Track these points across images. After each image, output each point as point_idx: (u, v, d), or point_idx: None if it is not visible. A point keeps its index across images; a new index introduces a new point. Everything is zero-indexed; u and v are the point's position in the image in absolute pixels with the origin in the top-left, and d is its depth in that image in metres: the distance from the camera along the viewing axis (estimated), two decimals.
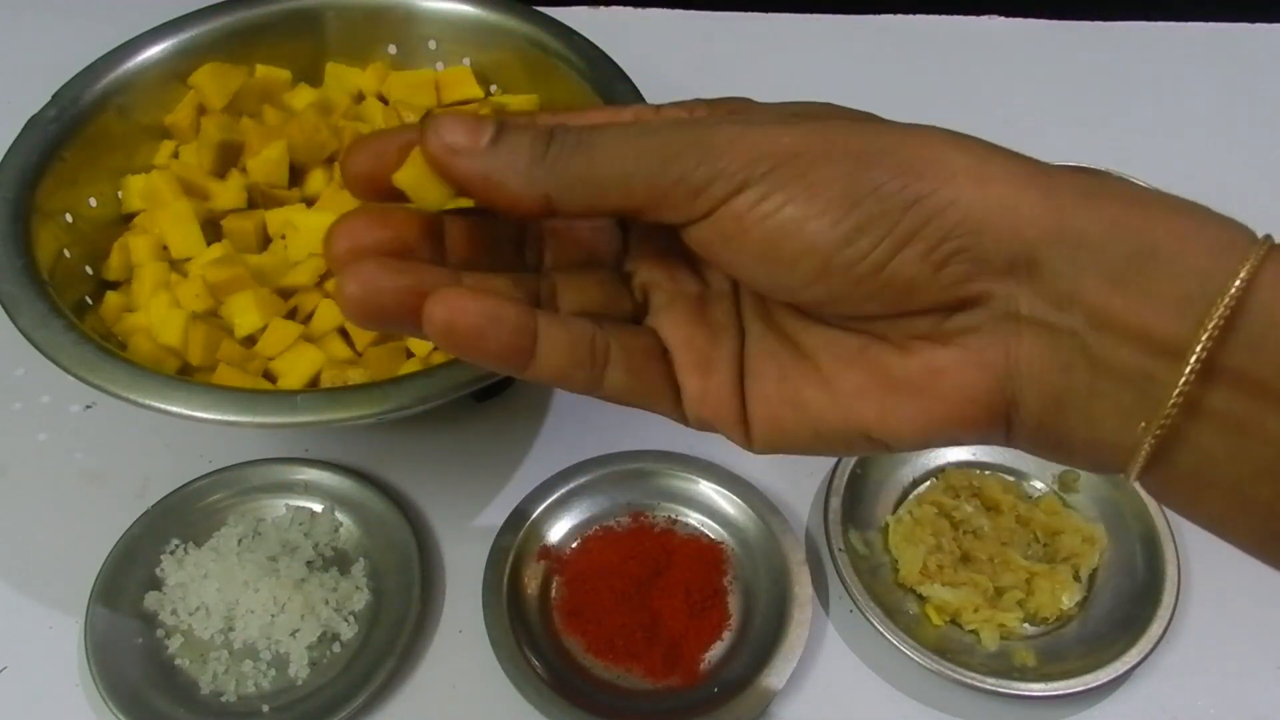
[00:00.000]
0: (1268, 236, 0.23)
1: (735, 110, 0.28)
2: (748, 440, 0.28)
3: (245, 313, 0.51)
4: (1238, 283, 0.22)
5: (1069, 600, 0.50)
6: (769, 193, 0.24)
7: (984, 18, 0.83)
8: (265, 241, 0.56)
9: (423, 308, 0.25)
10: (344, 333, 0.53)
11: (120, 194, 0.57)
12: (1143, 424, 0.23)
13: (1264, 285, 0.22)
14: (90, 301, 0.53)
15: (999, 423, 0.26)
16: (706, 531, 0.53)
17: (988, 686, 0.46)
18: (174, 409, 0.43)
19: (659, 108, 0.29)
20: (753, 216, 0.24)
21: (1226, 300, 0.22)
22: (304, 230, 0.54)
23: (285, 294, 0.53)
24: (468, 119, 0.26)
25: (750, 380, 0.28)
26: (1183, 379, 0.22)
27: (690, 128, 0.26)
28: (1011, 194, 0.24)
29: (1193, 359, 0.22)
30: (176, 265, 0.55)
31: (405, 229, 0.28)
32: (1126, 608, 0.49)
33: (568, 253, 0.30)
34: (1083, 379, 0.24)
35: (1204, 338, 0.22)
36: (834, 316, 0.26)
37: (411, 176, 0.27)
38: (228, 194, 0.57)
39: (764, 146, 0.25)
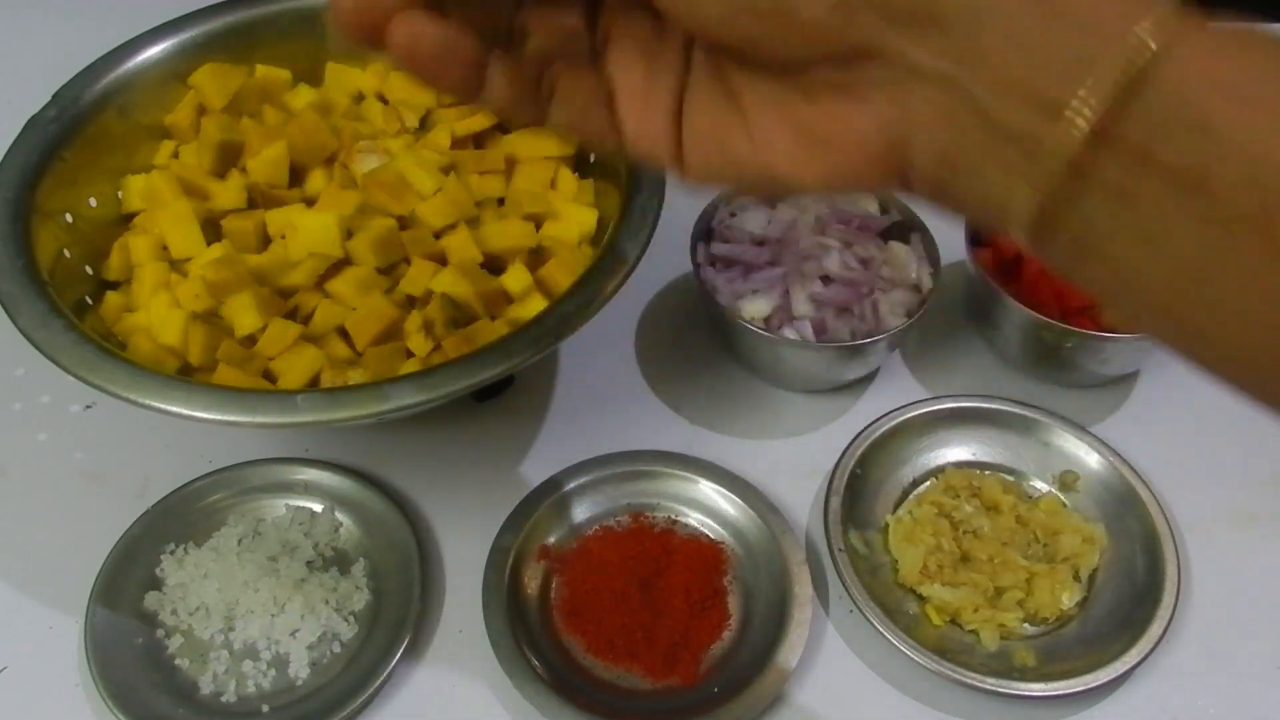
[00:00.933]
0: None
1: None
2: (682, 169, 0.30)
3: (245, 313, 0.51)
4: (1146, 52, 0.22)
5: (1069, 600, 0.50)
6: None
7: None
8: (265, 241, 0.56)
9: (388, 27, 0.27)
10: (344, 333, 0.53)
11: (120, 194, 0.57)
12: (1028, 187, 0.23)
13: (1179, 59, 0.22)
14: (90, 301, 0.53)
15: (893, 175, 0.27)
16: (706, 531, 0.53)
17: (988, 686, 0.46)
18: (174, 409, 0.43)
19: None
20: None
21: (1125, 70, 0.22)
22: (304, 230, 0.54)
23: (285, 294, 0.53)
24: None
25: (688, 116, 0.30)
26: (1064, 141, 0.22)
27: None
28: None
29: (1081, 122, 0.22)
30: (176, 265, 0.55)
31: None
32: (1126, 608, 0.49)
33: None
34: (975, 138, 0.24)
35: (1083, 99, 0.22)
36: (759, 57, 0.28)
37: None
38: (228, 194, 0.56)
39: None
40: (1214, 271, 0.22)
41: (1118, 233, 0.23)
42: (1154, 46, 0.22)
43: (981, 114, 0.24)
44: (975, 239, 0.59)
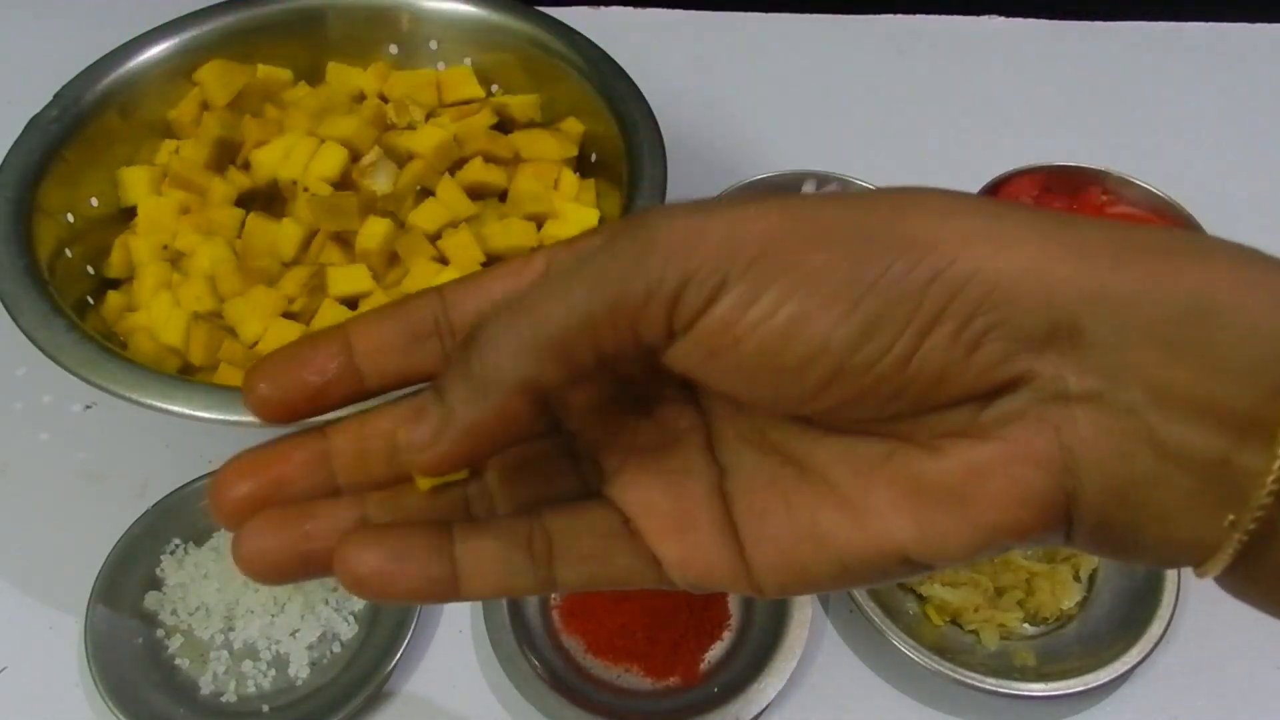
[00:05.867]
0: None
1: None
2: (757, 590, 0.24)
3: (247, 321, 0.51)
4: None
5: (1069, 600, 0.50)
6: (758, 291, 0.20)
7: (984, 18, 0.83)
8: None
9: (333, 563, 0.22)
10: None
11: (120, 192, 0.57)
12: (1230, 519, 0.20)
13: None
14: (91, 301, 0.53)
15: (1058, 524, 0.22)
16: None
17: (988, 686, 0.46)
18: (175, 408, 0.43)
19: (568, 242, 0.25)
20: (745, 323, 0.20)
21: None
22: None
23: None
24: (410, 410, 0.23)
25: (747, 523, 0.24)
26: (1276, 465, 0.19)
27: (628, 233, 0.21)
28: (1038, 255, 0.20)
29: None
30: (177, 264, 0.55)
31: (288, 464, 0.25)
32: (1126, 608, 0.49)
33: None
34: (1148, 466, 0.20)
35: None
36: (848, 423, 0.22)
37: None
38: (225, 191, 0.56)
39: (738, 234, 0.21)
40: None
41: None
42: None
43: (1151, 437, 0.20)
44: None
